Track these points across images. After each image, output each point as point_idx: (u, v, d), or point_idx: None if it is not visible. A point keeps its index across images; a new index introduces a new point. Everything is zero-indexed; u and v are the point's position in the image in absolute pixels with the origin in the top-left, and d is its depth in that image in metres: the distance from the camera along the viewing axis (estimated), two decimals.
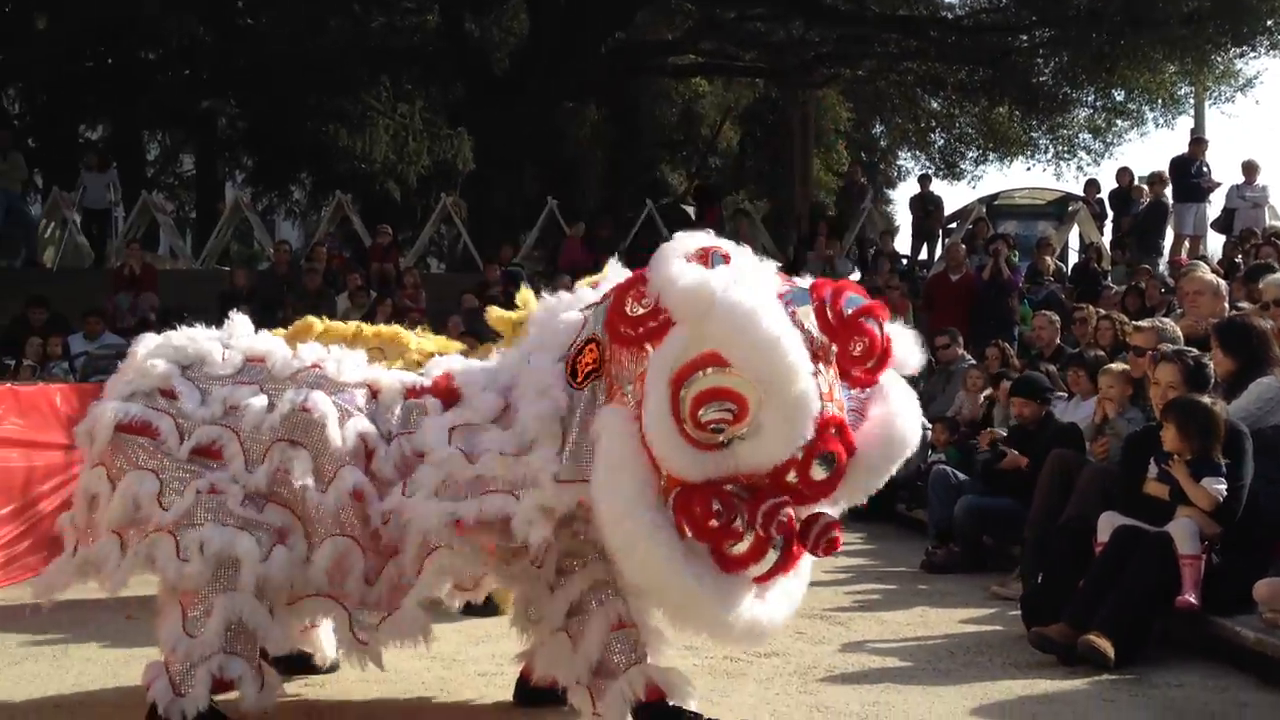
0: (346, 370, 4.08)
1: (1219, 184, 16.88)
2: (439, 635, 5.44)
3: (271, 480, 3.85)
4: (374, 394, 4.04)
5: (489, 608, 6.03)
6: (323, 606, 3.97)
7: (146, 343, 4.12)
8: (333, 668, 4.82)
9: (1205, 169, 16.87)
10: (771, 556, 3.64)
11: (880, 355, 3.63)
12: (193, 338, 4.12)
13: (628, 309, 3.57)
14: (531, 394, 3.76)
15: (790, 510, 3.49)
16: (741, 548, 3.53)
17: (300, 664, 4.67)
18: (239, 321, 4.26)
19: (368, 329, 5.80)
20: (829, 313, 3.54)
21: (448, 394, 4.04)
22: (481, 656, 5.18)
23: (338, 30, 20.81)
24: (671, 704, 3.86)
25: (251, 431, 3.87)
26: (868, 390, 3.70)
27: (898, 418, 3.72)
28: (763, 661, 5.12)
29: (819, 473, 3.50)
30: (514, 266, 16.63)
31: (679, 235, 3.71)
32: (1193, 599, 5.06)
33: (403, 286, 15.54)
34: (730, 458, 3.41)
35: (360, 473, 3.85)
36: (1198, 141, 17.63)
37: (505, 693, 4.57)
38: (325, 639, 4.69)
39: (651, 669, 3.88)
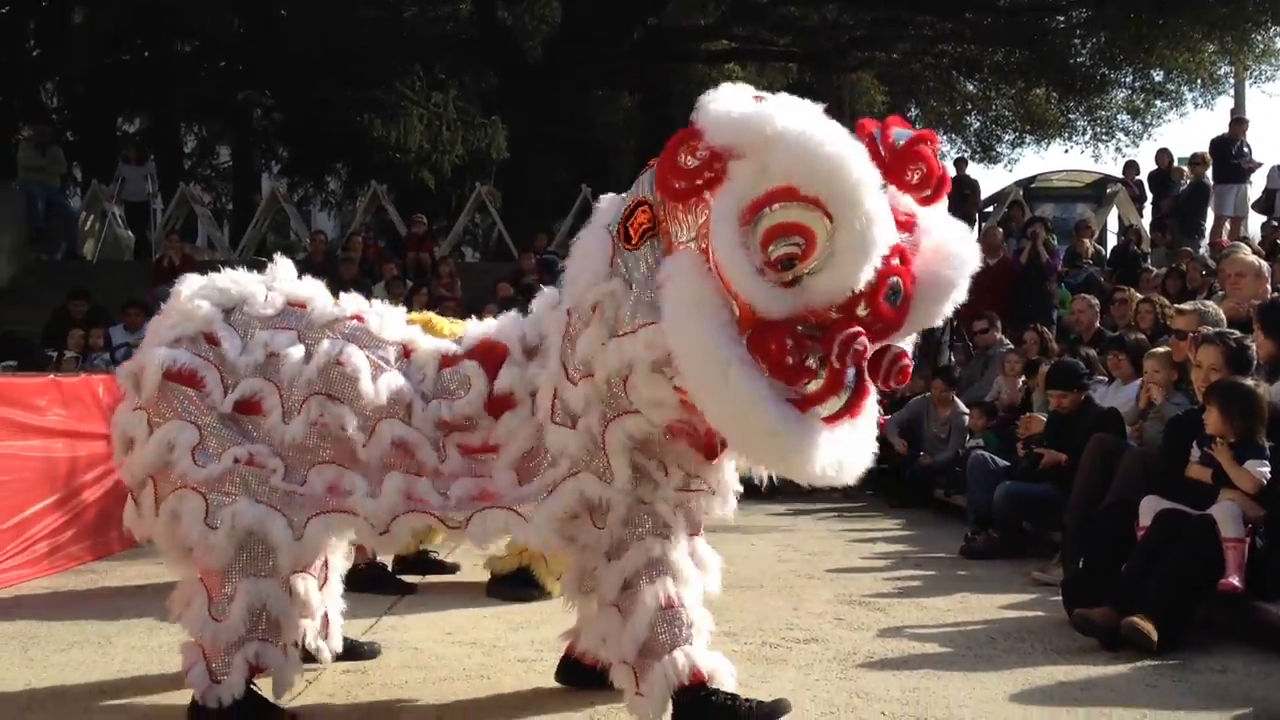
0: (387, 326, 4.05)
1: (1260, 164, 16.68)
2: (478, 621, 5.54)
3: (309, 434, 3.82)
4: (407, 354, 4.01)
5: (522, 588, 6.07)
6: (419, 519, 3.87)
7: (190, 283, 4.07)
8: (367, 655, 4.83)
9: (1246, 149, 16.67)
10: (838, 400, 3.50)
11: (939, 180, 3.54)
12: (236, 279, 4.09)
13: (680, 162, 3.44)
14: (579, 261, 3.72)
15: (865, 341, 3.34)
16: (814, 386, 3.42)
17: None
18: (283, 264, 4.23)
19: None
20: (880, 147, 3.45)
21: (487, 355, 4.01)
22: (521, 643, 5.19)
23: (371, 20, 20.86)
24: (709, 689, 3.83)
25: (289, 383, 3.84)
26: (915, 231, 3.57)
27: (953, 243, 3.60)
28: (802, 648, 5.12)
29: (887, 298, 3.39)
30: (549, 255, 16.64)
31: (722, 88, 3.57)
32: (1236, 582, 5.01)
33: (438, 275, 15.60)
34: (804, 293, 3.31)
35: (400, 424, 3.83)
36: (1238, 121, 17.42)
37: (546, 679, 4.58)
38: (312, 633, 4.66)
39: (696, 652, 3.85)
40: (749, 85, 3.64)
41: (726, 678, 3.89)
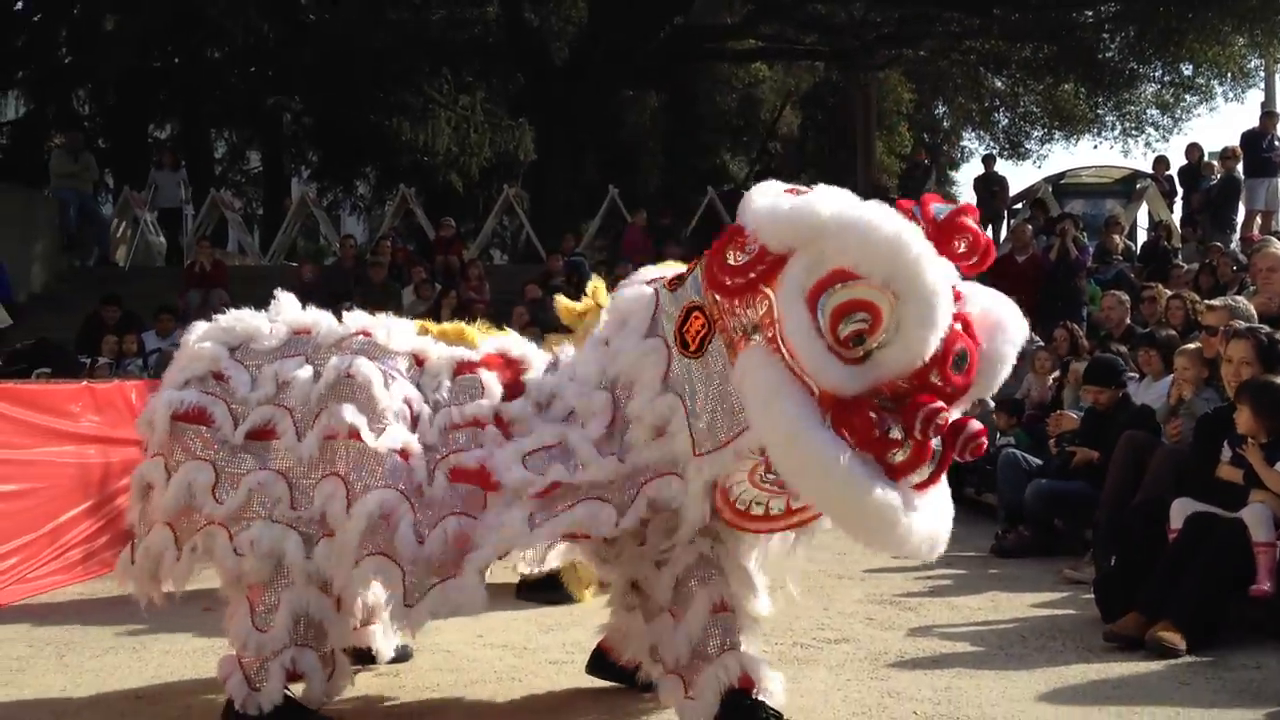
0: (395, 338, 4.07)
1: None
2: (509, 624, 5.55)
3: (322, 446, 3.83)
4: (419, 363, 4.03)
5: (553, 591, 6.07)
6: (378, 566, 3.78)
7: (196, 329, 4.15)
8: (398, 658, 4.86)
9: (1277, 143, 16.51)
10: (927, 467, 3.51)
11: (985, 249, 3.57)
12: (239, 318, 4.13)
13: (730, 260, 3.51)
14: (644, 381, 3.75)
15: (946, 415, 3.38)
16: (901, 456, 3.41)
17: (357, 661, 4.69)
18: (285, 299, 4.25)
19: (432, 327, 5.86)
20: (921, 223, 3.49)
21: (506, 368, 4.05)
22: (552, 645, 5.21)
23: (399, 24, 20.95)
24: (756, 698, 3.85)
25: (301, 404, 3.87)
26: (961, 300, 3.58)
27: (1001, 313, 3.64)
28: (833, 648, 5.12)
29: (954, 367, 3.41)
30: (577, 256, 16.68)
31: (759, 186, 3.67)
32: (1267, 586, 4.98)
33: (467, 279, 15.65)
34: (875, 368, 3.35)
35: (407, 431, 3.83)
36: (1269, 115, 17.26)
37: (577, 681, 4.60)
38: (380, 635, 4.71)
39: (746, 657, 3.87)
40: (777, 183, 3.69)
41: (776, 691, 3.91)
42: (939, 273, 3.32)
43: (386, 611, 4.50)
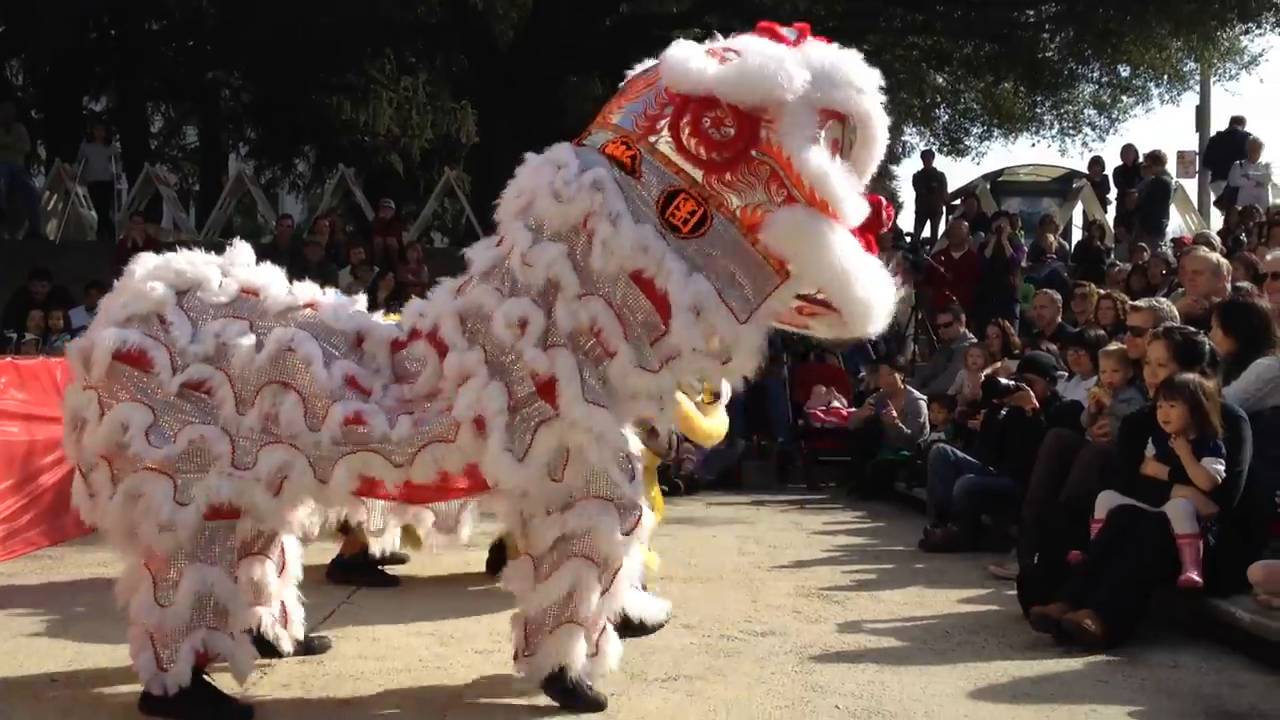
0: (340, 315, 4.03)
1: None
2: (438, 611, 5.53)
3: (264, 421, 3.82)
4: (359, 341, 3.99)
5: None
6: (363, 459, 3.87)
7: (145, 263, 4.05)
8: (317, 649, 4.81)
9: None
10: None
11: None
12: (192, 261, 4.05)
13: (714, 136, 3.66)
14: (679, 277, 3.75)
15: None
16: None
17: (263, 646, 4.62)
18: (241, 248, 4.19)
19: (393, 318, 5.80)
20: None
21: (431, 338, 3.99)
22: (479, 633, 5.20)
23: (342, 3, 20.70)
24: (578, 680, 3.97)
25: (240, 372, 3.82)
26: None
27: None
28: (759, 640, 5.14)
29: None
30: None
31: (675, 50, 3.80)
32: (1195, 576, 5.06)
33: (405, 261, 15.54)
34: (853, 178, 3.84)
35: (352, 402, 3.81)
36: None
37: (502, 670, 4.58)
38: (294, 620, 4.65)
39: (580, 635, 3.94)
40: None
41: (610, 657, 4.04)
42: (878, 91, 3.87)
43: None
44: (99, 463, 3.87)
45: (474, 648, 4.96)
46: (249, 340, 3.86)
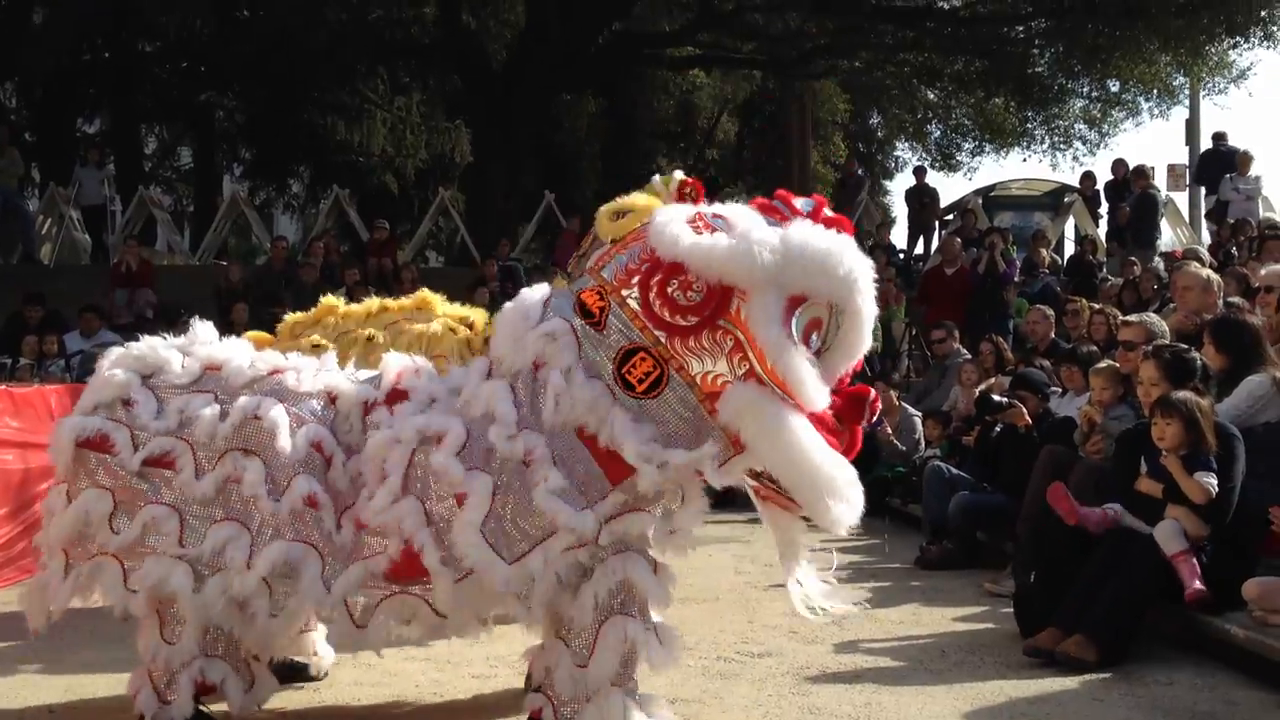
0: (305, 378, 4.04)
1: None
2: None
3: (220, 489, 3.82)
4: (332, 401, 3.99)
5: None
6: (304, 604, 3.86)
7: (110, 354, 4.12)
8: (309, 675, 4.80)
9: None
10: None
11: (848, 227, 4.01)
12: (153, 346, 4.09)
13: (679, 300, 3.65)
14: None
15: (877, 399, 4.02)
16: (847, 445, 3.89)
17: (293, 672, 4.65)
18: (201, 329, 4.23)
19: (392, 302, 5.81)
20: (792, 217, 3.84)
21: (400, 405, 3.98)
22: (476, 659, 5.19)
23: (335, 23, 20.79)
24: None
25: (205, 440, 3.84)
26: None
27: None
28: (756, 662, 5.15)
29: None
30: (511, 261, 16.67)
31: (661, 213, 3.80)
32: (1199, 585, 5.08)
33: (400, 282, 15.55)
34: (825, 374, 3.78)
35: (314, 480, 3.81)
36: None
37: (499, 696, 4.62)
38: (320, 646, 4.69)
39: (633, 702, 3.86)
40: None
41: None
42: (870, 286, 3.76)
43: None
44: (57, 553, 3.91)
45: (471, 673, 4.97)
46: (212, 410, 3.89)
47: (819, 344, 3.77)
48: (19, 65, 20.82)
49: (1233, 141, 17.76)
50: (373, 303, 5.80)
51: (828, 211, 3.93)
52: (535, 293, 3.99)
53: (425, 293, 5.25)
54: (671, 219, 3.74)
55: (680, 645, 4.02)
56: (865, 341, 3.88)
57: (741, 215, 3.80)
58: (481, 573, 3.67)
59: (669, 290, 3.65)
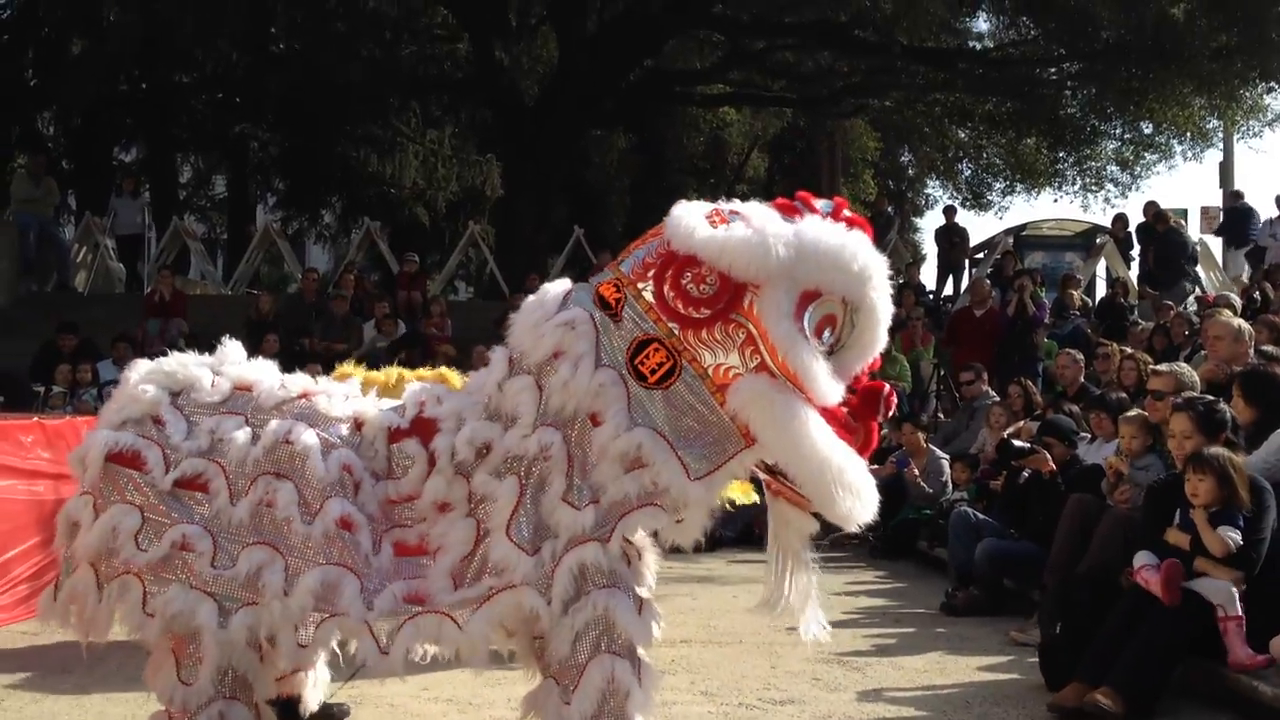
0: (335, 403, 4.03)
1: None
2: (455, 677, 5.52)
3: (254, 513, 3.80)
4: (358, 427, 3.98)
5: None
6: (336, 626, 3.82)
7: (139, 368, 4.09)
8: (338, 715, 4.80)
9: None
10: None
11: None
12: (183, 363, 4.08)
13: (692, 292, 3.68)
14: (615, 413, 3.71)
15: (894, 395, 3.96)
16: (862, 442, 3.85)
17: (285, 711, 4.57)
18: (230, 348, 4.21)
19: (409, 374, 5.85)
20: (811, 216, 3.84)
21: (426, 433, 3.94)
22: (497, 700, 5.19)
23: (369, 58, 21.01)
24: None
25: (236, 465, 3.83)
26: None
27: None
28: (777, 709, 5.13)
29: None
30: None
31: (678, 207, 3.84)
32: (1250, 652, 5.06)
33: (429, 315, 15.65)
34: (840, 371, 3.76)
35: (347, 503, 3.79)
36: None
37: None
38: (309, 683, 4.63)
39: None
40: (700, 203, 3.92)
41: None
42: (885, 282, 3.80)
43: (324, 661, 4.50)
44: (83, 567, 3.89)
45: (492, 715, 4.97)
46: (244, 434, 3.88)
47: (832, 340, 3.79)
48: (57, 95, 21.11)
49: (1267, 184, 17.86)
50: (391, 373, 5.85)
51: (847, 211, 3.94)
52: (556, 286, 4.00)
53: (445, 370, 5.25)
54: (688, 212, 3.78)
55: (658, 686, 3.89)
56: (880, 339, 3.88)
57: (758, 211, 3.82)
58: (507, 570, 3.66)
59: (683, 282, 3.68)
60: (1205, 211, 21.57)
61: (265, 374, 4.11)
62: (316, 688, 4.64)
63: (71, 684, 5.36)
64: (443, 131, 25.01)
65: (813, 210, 3.85)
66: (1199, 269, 18.01)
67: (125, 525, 3.79)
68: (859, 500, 3.66)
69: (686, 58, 23.56)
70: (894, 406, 3.96)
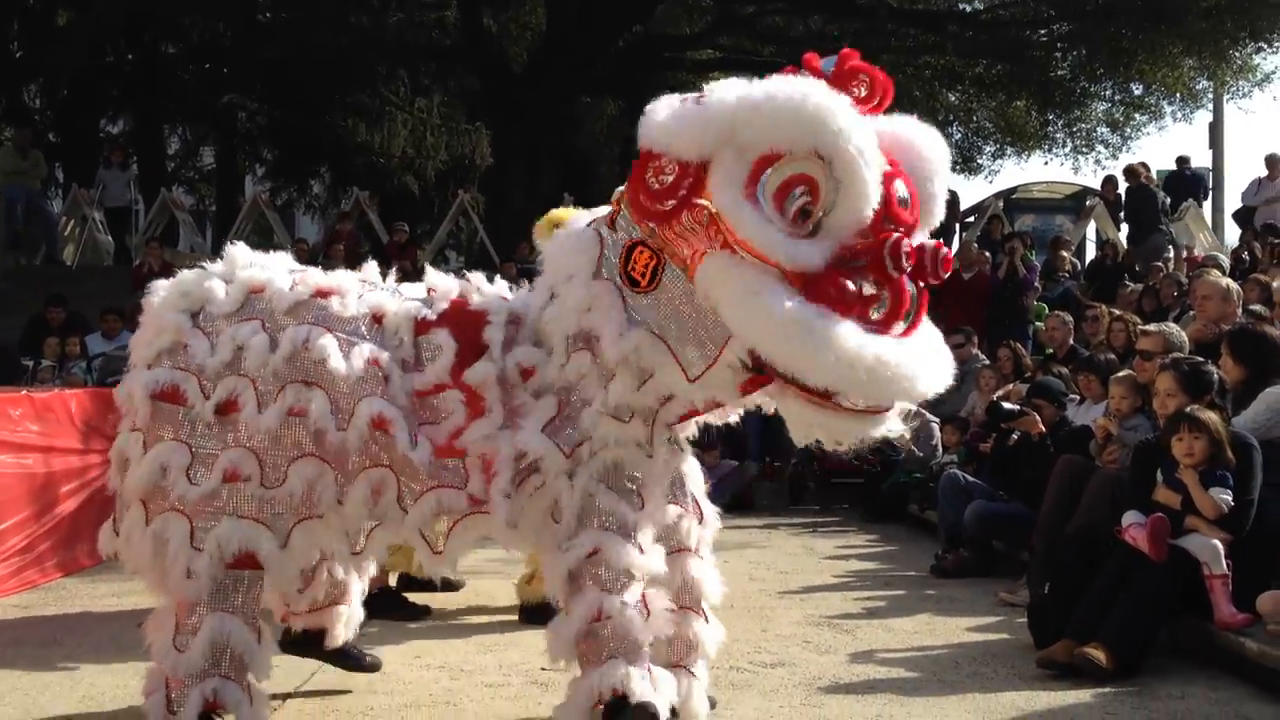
0: (349, 301, 3.97)
1: None
2: (447, 644, 5.55)
3: (286, 423, 3.79)
4: (377, 320, 3.93)
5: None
6: (388, 535, 4.00)
7: (157, 291, 4.06)
8: (369, 667, 4.84)
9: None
10: (908, 313, 3.55)
11: (884, 86, 3.65)
12: (197, 279, 4.04)
13: (654, 186, 3.51)
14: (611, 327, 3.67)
15: (907, 241, 3.44)
16: (882, 310, 3.48)
17: (308, 642, 4.66)
18: (238, 251, 4.15)
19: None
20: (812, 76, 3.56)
21: (461, 323, 3.94)
22: (489, 666, 5.21)
23: (356, 26, 20.86)
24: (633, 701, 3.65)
25: (258, 373, 3.81)
26: None
27: (909, 135, 3.72)
28: (769, 672, 5.15)
29: (900, 205, 3.53)
30: (530, 264, 16.65)
31: (654, 104, 3.63)
32: (1234, 611, 5.09)
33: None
34: (830, 235, 3.43)
35: (378, 400, 3.77)
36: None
37: (511, 704, 4.62)
38: (342, 619, 4.64)
39: (623, 671, 3.68)
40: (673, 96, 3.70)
41: (658, 699, 3.72)
42: (857, 124, 3.40)
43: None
44: (135, 504, 3.90)
45: (484, 681, 4.98)
46: (262, 339, 3.86)
47: (806, 199, 3.40)
48: (43, 67, 20.95)
49: (1257, 144, 17.78)
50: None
51: (854, 62, 3.60)
52: (584, 216, 4.05)
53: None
54: (655, 106, 3.60)
55: (671, 693, 3.81)
56: (870, 188, 3.40)
57: (728, 84, 3.57)
58: (542, 460, 3.71)
59: (647, 178, 3.52)
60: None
61: (276, 273, 4.06)
62: (348, 625, 4.67)
63: (63, 655, 5.37)
64: (431, 100, 24.85)
65: (814, 71, 3.58)
66: (1191, 229, 18.04)
67: (175, 462, 3.81)
68: (860, 367, 3.29)
69: (676, 23, 23.43)
70: (946, 266, 3.49)
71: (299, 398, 3.78)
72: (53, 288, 14.58)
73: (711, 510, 4.28)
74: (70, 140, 23.26)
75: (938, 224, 3.80)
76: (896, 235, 3.42)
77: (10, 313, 14.53)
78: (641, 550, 3.76)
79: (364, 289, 4.05)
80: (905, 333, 3.52)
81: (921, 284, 3.55)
